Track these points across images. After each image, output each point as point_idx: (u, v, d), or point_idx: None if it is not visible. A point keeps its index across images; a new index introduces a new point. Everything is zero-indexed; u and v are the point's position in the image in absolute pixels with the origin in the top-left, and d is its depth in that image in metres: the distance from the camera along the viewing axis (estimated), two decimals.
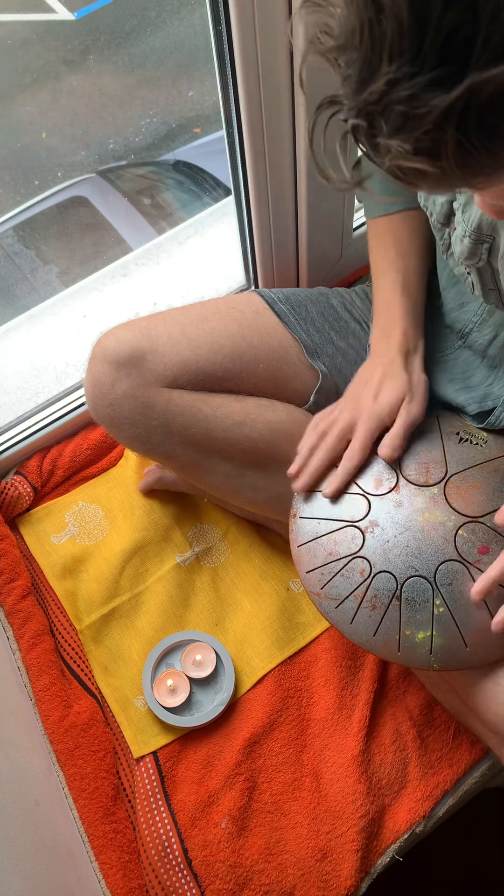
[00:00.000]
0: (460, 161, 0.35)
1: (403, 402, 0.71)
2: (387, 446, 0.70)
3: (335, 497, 0.71)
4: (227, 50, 0.76)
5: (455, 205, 0.61)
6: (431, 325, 0.80)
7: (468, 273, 0.65)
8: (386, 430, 0.72)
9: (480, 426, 0.75)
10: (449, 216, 0.62)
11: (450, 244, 0.65)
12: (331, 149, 0.44)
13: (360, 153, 0.66)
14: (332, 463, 0.72)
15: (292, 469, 0.73)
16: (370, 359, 0.76)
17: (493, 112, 0.33)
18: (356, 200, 0.83)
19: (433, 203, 0.63)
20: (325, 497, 0.72)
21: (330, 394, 0.84)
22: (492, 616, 0.66)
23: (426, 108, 0.33)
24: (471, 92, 0.32)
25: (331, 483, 0.71)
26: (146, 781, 0.84)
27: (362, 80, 0.35)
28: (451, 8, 0.32)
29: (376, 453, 0.73)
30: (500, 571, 0.63)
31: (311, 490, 0.73)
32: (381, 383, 0.72)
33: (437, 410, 0.78)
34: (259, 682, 0.90)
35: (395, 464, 0.72)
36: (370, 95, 0.35)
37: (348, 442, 0.72)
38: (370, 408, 0.71)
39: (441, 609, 0.66)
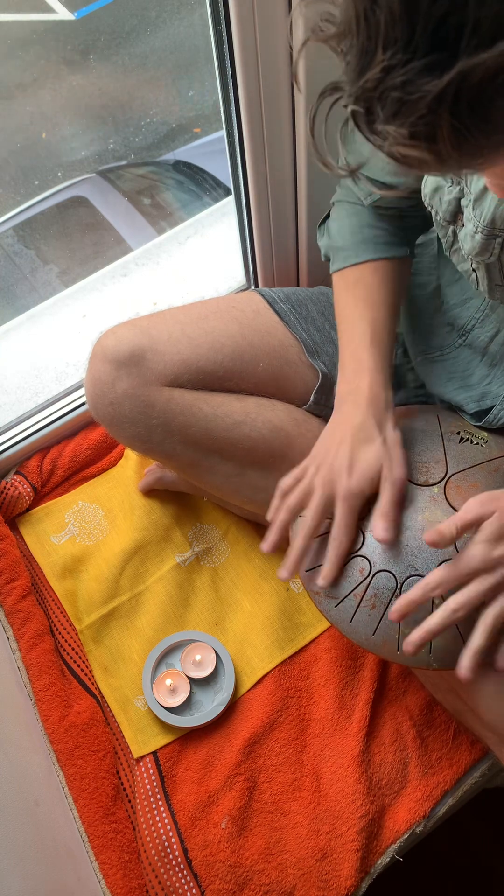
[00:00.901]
0: (456, 144, 0.36)
1: (383, 471, 0.66)
2: (383, 529, 0.65)
3: (334, 582, 0.68)
4: (227, 50, 0.76)
5: (463, 202, 0.61)
6: (430, 324, 0.80)
7: (474, 270, 0.64)
8: (367, 499, 0.67)
9: (478, 424, 0.75)
10: (456, 214, 0.62)
11: (453, 242, 0.65)
12: (332, 139, 0.45)
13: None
14: (311, 543, 0.68)
15: (265, 546, 0.68)
16: (337, 417, 0.71)
17: (485, 95, 0.34)
18: (322, 257, 0.81)
19: (439, 201, 0.63)
20: (322, 587, 0.67)
21: (330, 393, 0.84)
22: None
23: (420, 94, 0.35)
24: (462, 76, 0.33)
25: (325, 574, 0.67)
26: (146, 781, 0.84)
27: (360, 67, 0.36)
28: None
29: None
30: (419, 594, 0.60)
31: (295, 572, 0.68)
32: (354, 452, 0.67)
33: (437, 409, 0.77)
34: (259, 682, 0.90)
35: None
36: (367, 82, 0.36)
37: (328, 516, 0.68)
38: (347, 485, 0.66)
39: None
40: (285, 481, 0.70)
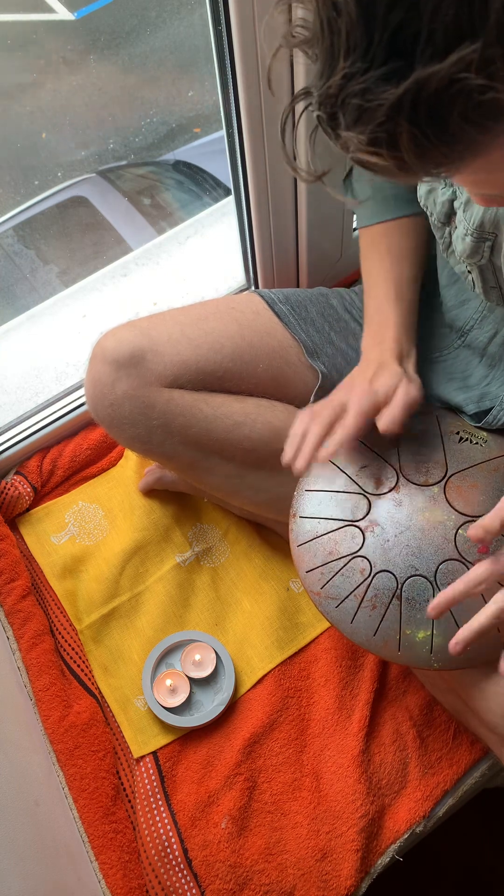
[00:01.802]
0: (417, 153, 0.37)
1: (401, 385, 0.69)
2: (385, 418, 0.67)
3: (330, 465, 0.68)
4: (227, 50, 0.76)
5: (456, 204, 0.61)
6: (430, 325, 0.80)
7: (469, 271, 0.65)
8: (380, 409, 0.69)
9: (478, 425, 0.75)
10: (449, 215, 0.62)
11: (450, 243, 0.65)
12: (320, 140, 0.45)
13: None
14: (325, 438, 0.69)
15: (286, 454, 0.70)
16: (361, 362, 0.74)
17: (441, 104, 0.34)
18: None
19: (433, 203, 0.63)
20: (320, 460, 0.68)
21: (330, 393, 0.84)
22: None
23: (378, 101, 0.35)
24: (418, 85, 0.34)
25: (327, 447, 0.68)
26: (146, 781, 0.84)
27: (324, 73, 0.37)
28: (395, 6, 0.33)
29: (376, 452, 0.73)
30: (462, 589, 0.58)
31: (306, 467, 0.69)
32: (377, 373, 0.70)
33: (436, 410, 0.78)
34: (259, 682, 0.90)
35: (395, 463, 0.72)
36: (329, 89, 0.37)
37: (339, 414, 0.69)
38: (364, 388, 0.69)
39: None
40: (307, 409, 0.72)
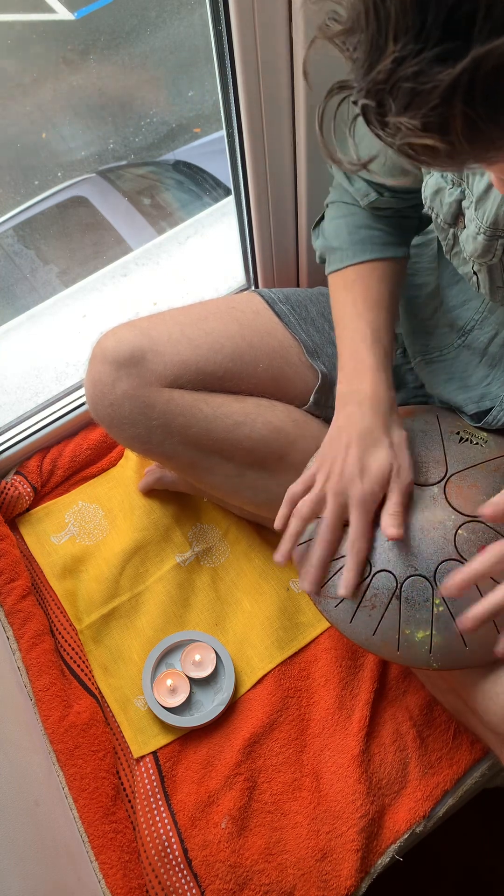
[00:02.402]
0: (469, 135, 0.36)
1: (392, 475, 0.66)
2: (392, 527, 0.65)
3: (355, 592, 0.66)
4: (227, 50, 0.76)
5: (465, 203, 0.61)
6: (430, 325, 0.80)
7: (476, 272, 0.64)
8: (378, 504, 0.67)
9: (478, 425, 0.75)
10: (457, 216, 0.62)
11: (454, 244, 0.65)
12: (337, 135, 0.45)
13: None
14: (334, 551, 0.67)
15: (279, 556, 0.67)
16: (341, 419, 0.70)
17: (499, 84, 0.34)
18: (317, 259, 0.81)
19: (440, 203, 0.63)
20: (343, 594, 0.66)
21: (330, 393, 0.84)
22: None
23: (433, 83, 0.34)
24: (475, 65, 0.33)
25: (345, 582, 0.65)
26: (146, 781, 0.84)
27: (370, 60, 0.36)
28: None
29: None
30: (480, 568, 0.56)
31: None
32: (364, 457, 0.66)
33: (436, 410, 0.77)
34: (259, 682, 0.90)
35: None
36: (378, 75, 0.36)
37: (343, 523, 0.67)
38: (361, 490, 0.65)
39: (441, 608, 0.66)
40: (294, 488, 0.69)
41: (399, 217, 0.76)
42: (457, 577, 0.57)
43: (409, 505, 0.67)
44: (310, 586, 0.67)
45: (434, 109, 0.35)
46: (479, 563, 0.56)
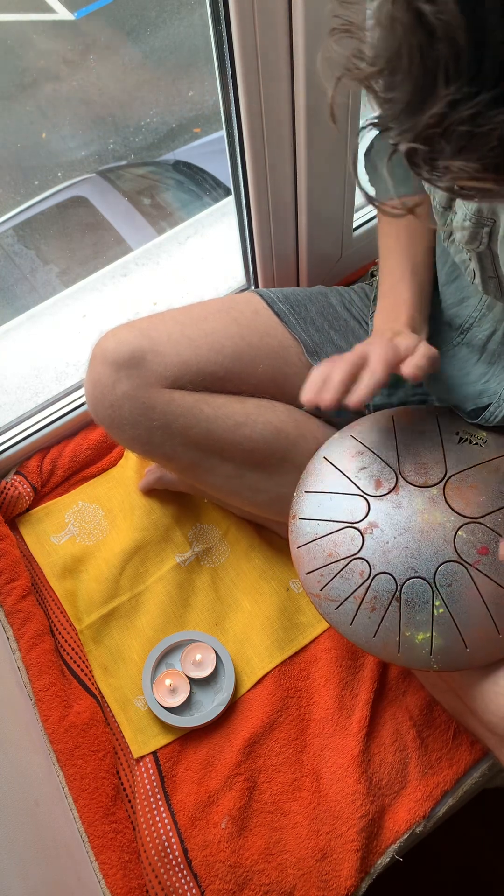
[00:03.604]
0: None
1: (421, 343, 0.67)
2: (411, 364, 0.64)
3: (360, 405, 0.64)
4: (227, 50, 0.76)
5: None
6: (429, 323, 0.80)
7: (469, 260, 0.64)
8: (401, 362, 0.66)
9: (474, 422, 0.75)
10: (451, 200, 0.62)
11: (451, 231, 0.65)
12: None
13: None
14: (350, 385, 0.65)
15: (305, 395, 0.66)
16: (375, 333, 0.71)
17: None
18: (356, 195, 0.82)
19: (433, 187, 0.63)
20: (351, 404, 0.64)
21: None
22: (492, 617, 0.66)
23: (491, 125, 0.34)
24: None
25: (356, 392, 0.63)
26: (146, 781, 0.85)
27: (414, 103, 0.35)
28: None
29: (375, 453, 0.72)
30: None
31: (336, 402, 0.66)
32: (394, 336, 0.68)
33: (435, 411, 0.77)
34: (259, 682, 0.90)
35: (394, 464, 0.72)
36: (430, 119, 0.35)
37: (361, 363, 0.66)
38: (384, 341, 0.66)
39: (441, 610, 0.66)
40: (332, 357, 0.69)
41: None
42: None
43: (434, 364, 0.66)
44: (329, 398, 0.64)
45: (492, 150, 0.34)
46: None
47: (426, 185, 0.65)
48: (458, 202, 0.61)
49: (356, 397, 0.63)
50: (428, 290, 0.75)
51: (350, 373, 0.64)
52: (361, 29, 0.37)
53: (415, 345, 0.66)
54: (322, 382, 0.65)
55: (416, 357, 0.64)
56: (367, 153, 0.82)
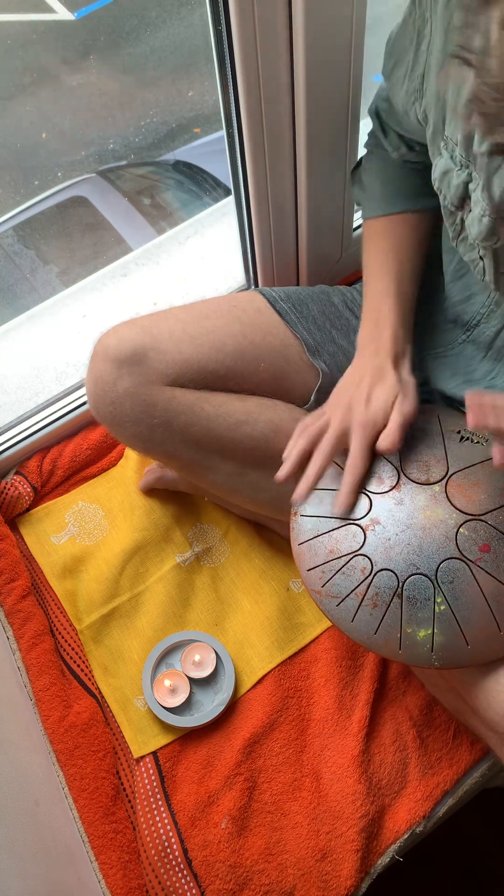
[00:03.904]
0: None
1: (396, 402, 0.70)
2: (385, 439, 0.69)
3: (348, 509, 0.70)
4: (227, 50, 0.76)
5: (471, 186, 0.60)
6: (433, 321, 0.80)
7: (481, 258, 0.64)
8: (380, 433, 0.70)
9: None
10: (463, 199, 0.62)
11: (461, 230, 0.65)
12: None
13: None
14: (327, 468, 0.71)
15: (281, 474, 0.71)
16: (357, 361, 0.74)
17: None
18: (354, 203, 0.84)
19: (448, 185, 0.63)
20: (338, 512, 0.70)
21: (330, 392, 0.84)
22: (493, 614, 0.66)
23: None
24: None
25: (341, 499, 0.69)
26: (146, 781, 0.84)
27: None
28: None
29: (376, 453, 0.72)
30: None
31: (306, 495, 0.71)
32: (371, 388, 0.71)
33: (437, 409, 0.77)
34: (259, 682, 0.90)
35: (397, 462, 0.72)
36: None
37: (344, 449, 0.71)
38: (363, 414, 0.70)
39: (442, 607, 0.66)
40: (306, 421, 0.73)
41: (429, 169, 0.76)
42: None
43: (405, 431, 0.70)
44: (300, 493, 0.70)
45: None
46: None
47: (438, 184, 0.64)
48: (476, 198, 0.60)
49: (342, 506, 0.69)
50: (413, 307, 0.76)
51: (328, 462, 0.70)
52: (486, 55, 0.37)
53: (391, 401, 0.70)
54: (297, 460, 0.70)
55: (391, 433, 0.68)
56: (355, 171, 0.83)
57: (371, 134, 0.79)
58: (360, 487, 0.71)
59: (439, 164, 0.63)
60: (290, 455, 0.72)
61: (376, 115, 0.76)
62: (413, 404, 0.71)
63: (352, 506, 0.69)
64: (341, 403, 0.71)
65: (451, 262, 0.76)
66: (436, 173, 0.64)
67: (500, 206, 0.58)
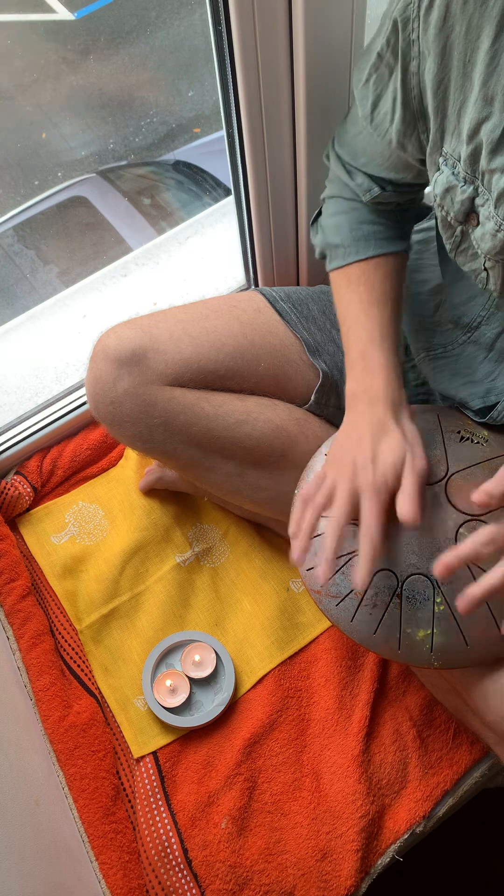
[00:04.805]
0: None
1: (406, 461, 0.64)
2: (406, 509, 0.62)
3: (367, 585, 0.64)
4: (227, 50, 0.76)
5: (478, 201, 0.60)
6: (434, 321, 0.80)
7: (486, 269, 0.64)
8: (393, 494, 0.64)
9: (482, 421, 0.75)
10: (468, 213, 0.61)
11: (461, 241, 0.64)
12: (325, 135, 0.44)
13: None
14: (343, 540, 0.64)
15: (295, 555, 0.65)
16: (350, 416, 0.69)
17: None
18: (317, 255, 0.80)
19: (451, 201, 0.62)
20: (359, 588, 0.62)
21: (331, 392, 0.84)
22: (493, 614, 0.66)
23: None
24: None
25: (359, 575, 0.62)
26: (146, 781, 0.84)
27: None
28: None
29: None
30: (469, 550, 0.56)
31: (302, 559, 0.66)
32: (375, 445, 0.65)
33: (437, 409, 0.77)
34: (259, 682, 0.90)
35: None
36: None
37: (355, 511, 0.64)
38: (372, 476, 0.63)
39: (442, 607, 0.66)
40: (306, 489, 0.67)
41: (400, 210, 0.75)
42: (445, 558, 0.56)
43: (424, 491, 0.65)
44: (324, 576, 0.63)
45: None
46: (467, 544, 0.56)
47: (439, 201, 0.64)
48: (488, 213, 0.58)
49: (361, 583, 0.62)
50: (399, 351, 0.72)
51: (341, 532, 0.63)
52: None
53: (401, 460, 0.64)
54: (310, 535, 0.65)
55: (410, 499, 0.62)
56: (314, 223, 0.79)
57: (331, 182, 0.76)
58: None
59: (440, 181, 0.62)
60: (301, 532, 0.65)
61: (338, 160, 0.73)
62: (424, 459, 0.65)
63: (369, 579, 0.63)
64: (344, 465, 0.65)
65: (449, 263, 0.76)
66: (436, 190, 0.63)
67: None
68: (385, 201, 0.74)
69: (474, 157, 0.57)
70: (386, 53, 0.60)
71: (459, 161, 0.58)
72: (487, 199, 0.58)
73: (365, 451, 0.65)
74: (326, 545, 0.63)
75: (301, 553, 0.65)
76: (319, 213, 0.79)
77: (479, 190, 0.59)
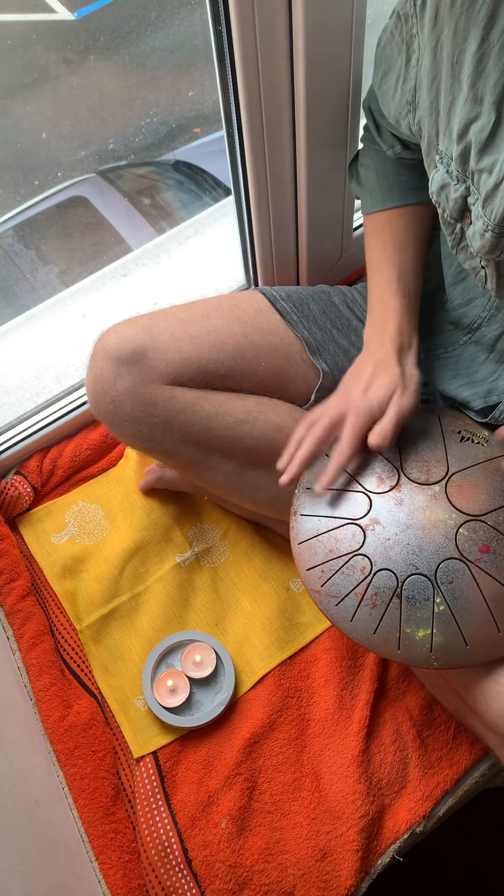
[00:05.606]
0: None
1: (395, 395, 0.70)
2: (376, 434, 0.68)
3: (328, 493, 0.70)
4: (227, 50, 0.76)
5: (470, 200, 0.60)
6: (434, 322, 0.80)
7: (483, 267, 0.64)
8: (375, 422, 0.70)
9: (484, 421, 0.75)
10: (462, 211, 0.62)
11: (460, 239, 0.64)
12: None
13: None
14: (317, 454, 0.72)
15: (280, 464, 0.72)
16: (362, 354, 0.74)
17: None
18: (356, 200, 0.84)
19: (446, 199, 0.63)
20: (317, 493, 0.70)
21: (331, 392, 0.84)
22: (493, 615, 0.66)
23: None
24: None
25: (321, 479, 0.70)
26: (146, 781, 0.84)
27: None
28: None
29: (377, 451, 0.72)
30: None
31: (295, 480, 0.72)
32: (372, 378, 0.71)
33: (438, 409, 0.77)
34: (259, 682, 0.90)
35: (397, 462, 0.72)
36: None
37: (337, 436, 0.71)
38: (359, 401, 0.70)
39: (442, 607, 0.66)
40: (311, 413, 0.73)
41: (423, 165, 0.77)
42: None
43: (400, 426, 0.69)
44: (286, 478, 0.70)
45: None
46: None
47: (436, 198, 0.64)
48: (477, 213, 0.59)
49: (321, 486, 0.70)
50: (417, 299, 0.76)
51: (318, 447, 0.70)
52: None
53: (390, 394, 0.69)
54: (295, 448, 0.71)
55: (384, 424, 0.68)
56: (352, 165, 0.83)
57: (366, 128, 0.80)
58: (361, 487, 0.71)
59: (436, 178, 0.63)
60: (289, 444, 0.72)
61: (370, 111, 0.77)
62: (412, 398, 0.70)
63: (331, 485, 0.70)
64: (342, 392, 0.72)
65: (450, 266, 0.76)
66: (433, 187, 0.64)
67: (502, 223, 0.58)
68: (409, 157, 0.76)
69: (464, 157, 0.57)
70: (395, 33, 0.62)
71: (452, 160, 0.59)
72: (478, 199, 0.59)
73: (361, 383, 0.71)
74: (299, 454, 0.70)
75: (290, 475, 0.71)
76: (356, 158, 0.82)
77: (471, 189, 0.59)
